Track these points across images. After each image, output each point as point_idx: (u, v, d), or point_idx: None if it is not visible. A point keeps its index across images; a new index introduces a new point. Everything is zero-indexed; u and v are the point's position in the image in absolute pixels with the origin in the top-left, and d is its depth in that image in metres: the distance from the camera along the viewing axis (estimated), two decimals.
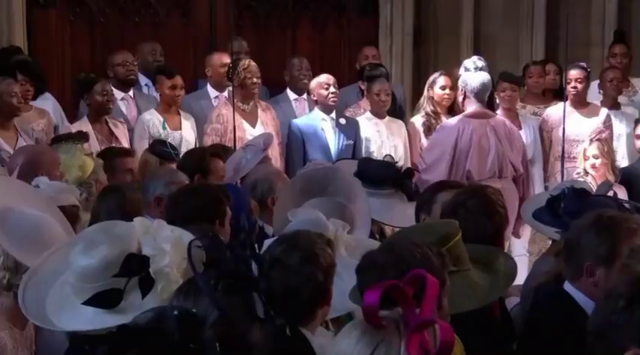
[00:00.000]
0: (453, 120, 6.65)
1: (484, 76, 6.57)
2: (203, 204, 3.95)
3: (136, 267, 2.51)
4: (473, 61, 6.70)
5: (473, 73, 6.60)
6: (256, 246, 2.32)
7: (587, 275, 3.17)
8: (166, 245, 2.54)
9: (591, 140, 7.02)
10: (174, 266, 2.52)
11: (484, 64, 6.69)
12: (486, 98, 6.65)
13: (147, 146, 6.51)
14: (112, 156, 5.65)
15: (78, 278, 2.57)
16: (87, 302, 2.53)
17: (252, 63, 7.17)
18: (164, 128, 6.91)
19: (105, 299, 2.51)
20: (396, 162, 5.20)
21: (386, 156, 6.76)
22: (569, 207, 3.89)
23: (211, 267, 2.25)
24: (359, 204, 4.33)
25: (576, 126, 7.39)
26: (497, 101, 7.27)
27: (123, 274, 2.51)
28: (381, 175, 5.03)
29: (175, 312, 1.84)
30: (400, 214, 4.77)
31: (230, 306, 2.08)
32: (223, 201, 4.02)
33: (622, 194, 6.56)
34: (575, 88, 7.51)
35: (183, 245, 2.56)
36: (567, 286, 3.24)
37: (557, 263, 3.47)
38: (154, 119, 7.01)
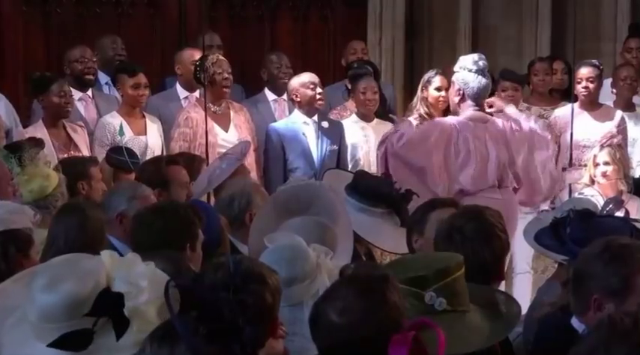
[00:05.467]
0: (450, 119, 6.67)
1: (485, 79, 6.60)
2: (173, 226, 3.96)
3: (109, 305, 2.52)
4: (474, 61, 6.66)
5: (474, 75, 6.58)
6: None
7: (594, 309, 3.20)
8: (142, 280, 2.55)
9: (601, 145, 7.05)
10: (151, 304, 2.53)
11: (486, 65, 6.68)
12: (483, 102, 6.67)
13: None
14: None
15: (40, 318, 2.57)
16: (53, 345, 2.52)
17: (221, 57, 7.17)
18: (121, 134, 6.86)
19: (74, 342, 2.50)
20: (396, 181, 5.25)
21: (383, 174, 6.70)
22: (574, 233, 3.91)
23: (190, 310, 2.25)
24: (342, 225, 4.36)
25: (587, 130, 7.40)
26: None
27: (95, 313, 2.51)
28: (377, 192, 5.07)
29: None
30: (389, 237, 4.81)
31: None
32: (195, 223, 4.03)
33: (635, 205, 6.61)
34: (586, 87, 7.51)
35: (160, 280, 2.57)
36: (574, 321, 3.28)
37: (563, 293, 3.51)
38: (115, 123, 7.00)
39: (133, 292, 2.54)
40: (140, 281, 2.56)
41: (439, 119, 6.80)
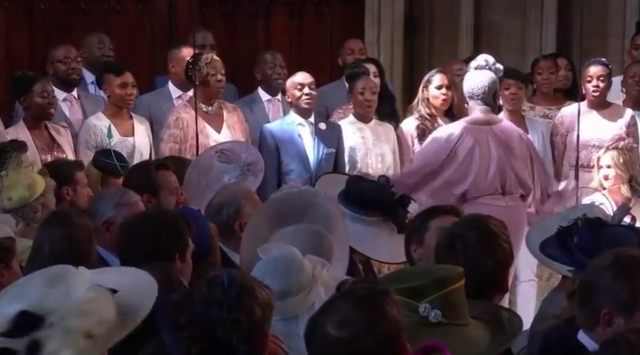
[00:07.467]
0: (451, 128, 6.69)
1: (483, 76, 6.59)
2: (161, 236, 3.93)
3: (25, 328, 2.45)
4: (475, 60, 6.78)
5: (473, 73, 6.65)
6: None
7: (603, 324, 3.19)
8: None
9: (607, 148, 7.03)
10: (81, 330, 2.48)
11: (488, 63, 6.69)
12: (492, 101, 6.68)
13: None
14: None
15: None
16: None
17: (216, 57, 7.17)
18: (110, 136, 6.81)
19: None
20: (392, 186, 5.20)
21: (381, 177, 6.69)
22: (582, 243, 3.88)
23: (183, 329, 2.23)
24: (338, 233, 4.34)
25: (596, 129, 7.38)
26: (501, 102, 7.30)
27: (10, 334, 2.46)
28: (371, 199, 5.04)
29: None
30: (385, 247, 4.79)
31: None
32: (185, 232, 4.00)
33: None
34: (597, 86, 7.47)
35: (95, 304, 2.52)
36: (581, 336, 3.27)
37: (569, 305, 3.50)
38: (101, 124, 6.96)
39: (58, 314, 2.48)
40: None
41: (438, 133, 6.80)
